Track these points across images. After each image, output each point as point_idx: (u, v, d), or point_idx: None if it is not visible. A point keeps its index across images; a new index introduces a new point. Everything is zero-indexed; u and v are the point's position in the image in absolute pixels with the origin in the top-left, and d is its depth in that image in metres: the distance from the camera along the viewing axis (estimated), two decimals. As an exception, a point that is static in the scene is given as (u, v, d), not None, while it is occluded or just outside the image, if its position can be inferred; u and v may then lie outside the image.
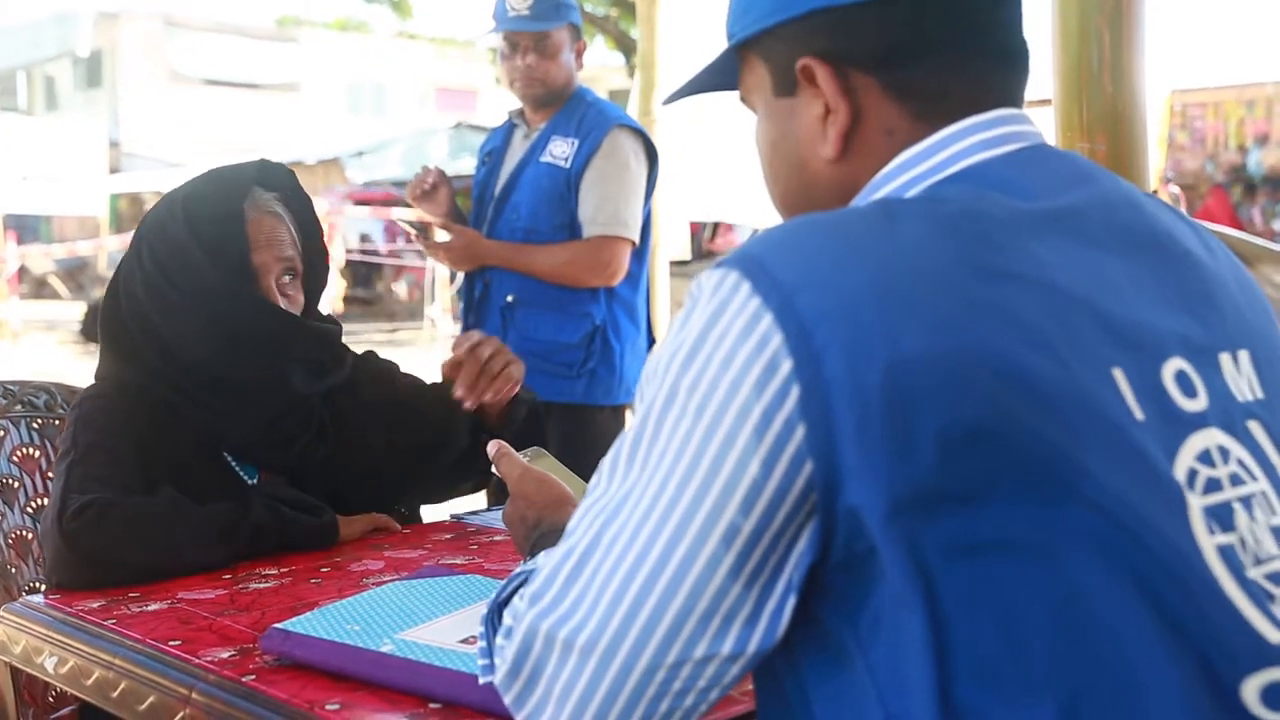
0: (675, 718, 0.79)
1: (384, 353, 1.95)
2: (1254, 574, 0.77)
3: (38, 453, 1.88)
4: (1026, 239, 0.80)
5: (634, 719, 0.78)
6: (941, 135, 0.87)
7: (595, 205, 2.94)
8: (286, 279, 1.71)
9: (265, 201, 1.72)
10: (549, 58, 3.00)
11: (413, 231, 3.20)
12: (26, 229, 20.35)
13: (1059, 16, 1.75)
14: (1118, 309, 0.80)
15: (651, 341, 3.21)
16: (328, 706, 1.07)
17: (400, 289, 18.12)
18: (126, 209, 21.92)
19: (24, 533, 1.81)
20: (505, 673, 0.84)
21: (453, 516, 1.88)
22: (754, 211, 4.42)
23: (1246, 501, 0.80)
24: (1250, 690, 0.73)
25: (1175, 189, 8.54)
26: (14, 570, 1.76)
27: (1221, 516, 0.78)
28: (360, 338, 11.08)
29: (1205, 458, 0.79)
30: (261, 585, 1.46)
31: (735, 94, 1.01)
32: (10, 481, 1.83)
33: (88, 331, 12.22)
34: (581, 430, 2.96)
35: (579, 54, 3.08)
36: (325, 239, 1.82)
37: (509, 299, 2.99)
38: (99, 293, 14.41)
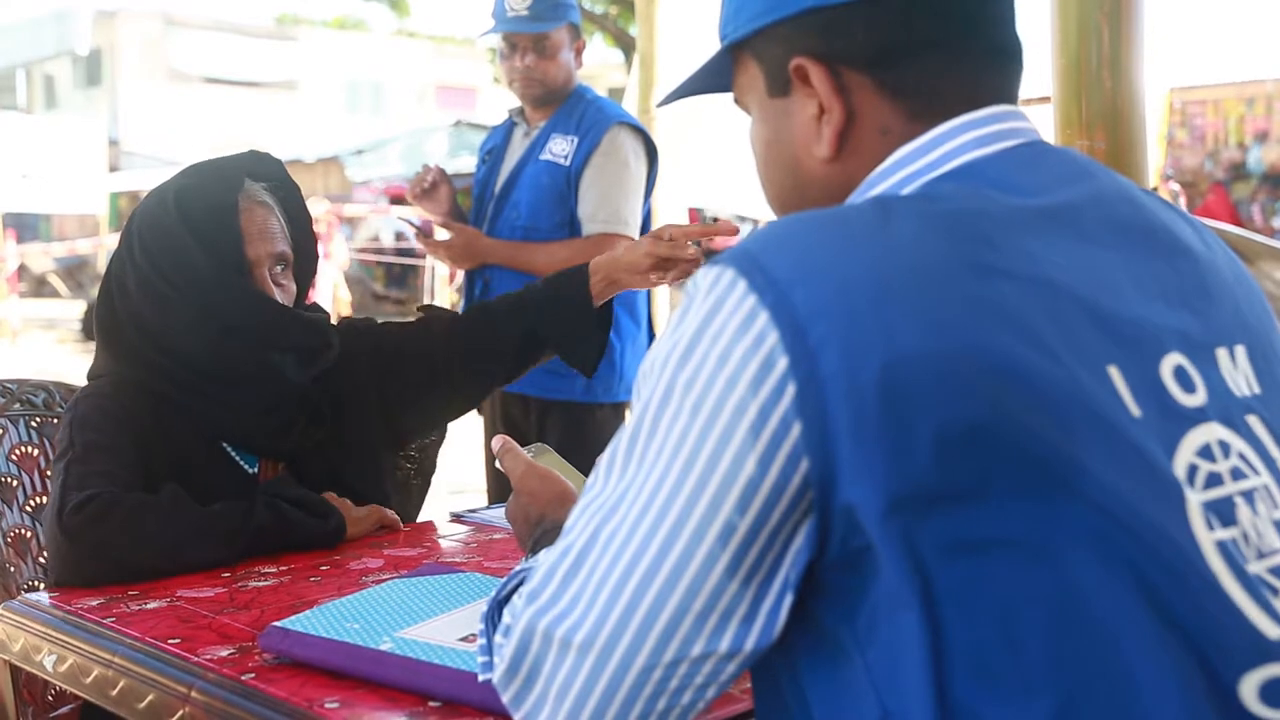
0: (672, 715, 0.79)
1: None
2: (1256, 568, 0.77)
3: (36, 451, 1.88)
4: (1022, 236, 0.80)
5: (631, 716, 0.79)
6: (936, 133, 0.87)
7: (595, 203, 2.94)
8: (279, 269, 1.72)
9: (256, 192, 1.73)
10: (548, 58, 2.99)
11: (413, 229, 3.20)
12: (26, 227, 20.36)
13: (1058, 13, 1.75)
14: (1115, 305, 0.80)
15: (651, 338, 3.21)
16: (327, 705, 1.07)
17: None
18: (126, 207, 21.86)
19: (22, 531, 1.81)
20: (503, 670, 0.84)
21: (452, 514, 1.88)
22: (755, 206, 4.41)
23: (1249, 495, 0.80)
24: (1248, 687, 0.73)
25: (1175, 186, 8.54)
26: (12, 569, 1.76)
27: (1222, 511, 0.78)
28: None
29: (1205, 452, 0.79)
30: (261, 583, 1.46)
31: (730, 95, 1.01)
32: (9, 480, 1.83)
33: (88, 330, 12.22)
34: (581, 427, 2.96)
35: (578, 53, 3.07)
36: (314, 226, 1.83)
37: (509, 297, 2.98)
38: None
